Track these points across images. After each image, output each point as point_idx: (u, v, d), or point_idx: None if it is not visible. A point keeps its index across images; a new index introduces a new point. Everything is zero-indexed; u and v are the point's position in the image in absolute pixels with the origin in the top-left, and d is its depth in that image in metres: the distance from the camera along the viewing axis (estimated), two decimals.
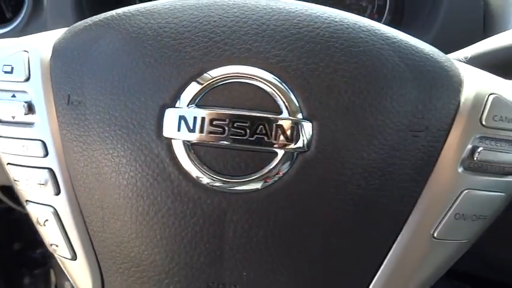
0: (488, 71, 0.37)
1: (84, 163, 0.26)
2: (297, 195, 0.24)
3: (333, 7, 0.77)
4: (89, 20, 0.27)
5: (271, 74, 0.24)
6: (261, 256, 0.24)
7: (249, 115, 0.23)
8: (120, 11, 0.27)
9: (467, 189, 0.25)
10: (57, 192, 0.26)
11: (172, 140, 0.24)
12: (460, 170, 0.25)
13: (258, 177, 0.24)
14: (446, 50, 0.43)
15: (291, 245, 0.24)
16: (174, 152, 0.24)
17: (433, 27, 0.53)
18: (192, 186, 0.24)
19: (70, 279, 0.29)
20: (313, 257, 0.25)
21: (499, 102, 0.26)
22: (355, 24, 0.25)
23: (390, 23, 0.65)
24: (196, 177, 0.24)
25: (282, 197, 0.24)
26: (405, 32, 0.61)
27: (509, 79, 0.34)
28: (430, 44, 0.56)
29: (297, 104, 0.24)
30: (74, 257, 0.27)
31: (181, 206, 0.24)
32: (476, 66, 0.41)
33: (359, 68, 0.24)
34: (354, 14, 0.27)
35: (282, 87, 0.24)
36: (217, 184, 0.24)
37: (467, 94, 0.26)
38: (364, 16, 0.68)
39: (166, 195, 0.24)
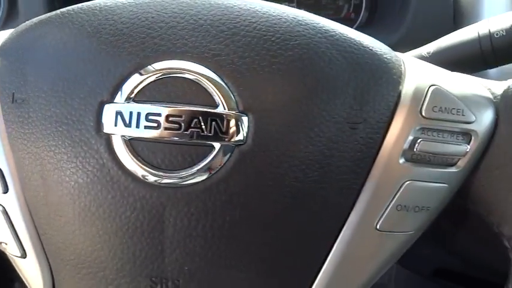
0: (449, 66, 0.38)
1: (29, 161, 0.26)
2: (234, 188, 0.24)
3: (309, 7, 0.77)
4: (35, 20, 0.28)
5: (207, 68, 0.24)
6: (202, 250, 0.24)
7: (183, 109, 0.23)
8: (64, 9, 0.27)
9: (409, 180, 0.26)
10: (5, 191, 0.27)
11: (111, 136, 0.24)
12: (402, 161, 0.25)
13: (195, 171, 0.24)
14: (418, 46, 0.43)
15: (230, 239, 0.24)
16: (112, 147, 0.24)
17: (403, 24, 0.53)
18: (131, 181, 0.24)
19: (22, 277, 0.29)
20: (254, 251, 0.25)
21: (439, 93, 0.26)
22: (294, 18, 0.26)
23: (366, 22, 0.65)
24: (135, 171, 0.24)
25: (219, 190, 0.24)
26: (377, 30, 0.61)
27: (469, 74, 0.34)
28: (400, 40, 0.56)
29: (233, 98, 0.24)
30: (24, 255, 0.27)
31: (120, 201, 0.24)
32: (438, 61, 0.41)
33: (295, 61, 0.24)
34: (297, 9, 0.27)
35: (218, 81, 0.24)
36: (154, 179, 0.24)
37: (407, 86, 0.26)
38: (340, 16, 0.68)
39: (106, 190, 0.24)
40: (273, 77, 0.24)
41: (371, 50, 0.26)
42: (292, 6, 0.68)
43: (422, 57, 0.42)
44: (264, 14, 0.25)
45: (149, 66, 0.24)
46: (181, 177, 0.24)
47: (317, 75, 0.24)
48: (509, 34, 0.37)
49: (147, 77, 0.24)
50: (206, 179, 0.24)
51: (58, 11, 0.27)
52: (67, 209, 0.25)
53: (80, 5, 0.27)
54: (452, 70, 0.33)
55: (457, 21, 0.52)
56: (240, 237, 0.25)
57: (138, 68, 0.24)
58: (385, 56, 0.26)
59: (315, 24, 0.26)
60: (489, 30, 0.38)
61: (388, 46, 0.49)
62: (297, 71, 0.24)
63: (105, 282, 0.26)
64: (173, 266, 0.25)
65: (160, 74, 0.24)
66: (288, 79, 0.24)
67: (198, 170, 0.24)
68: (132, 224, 0.24)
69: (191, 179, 0.24)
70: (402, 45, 0.44)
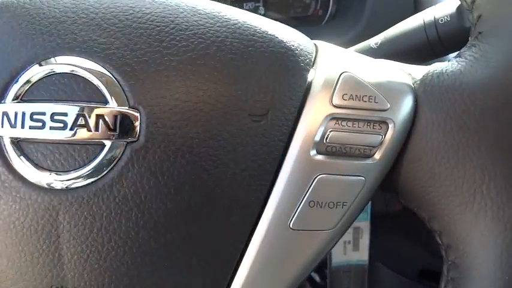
0: (398, 57, 0.36)
1: None
2: (128, 189, 0.23)
3: (276, 6, 0.75)
4: None
5: (96, 63, 0.23)
6: (99, 256, 0.23)
7: (68, 106, 0.22)
8: None
9: (322, 174, 0.24)
10: None
11: (0, 138, 0.23)
12: (313, 154, 0.24)
13: (86, 172, 0.22)
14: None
15: (128, 243, 0.23)
16: (3, 150, 0.23)
17: (363, 15, 0.52)
18: (22, 185, 0.23)
19: None
20: (156, 256, 0.23)
21: (350, 80, 0.24)
22: (193, 7, 0.24)
23: (334, 16, 0.64)
24: (25, 174, 0.23)
25: (112, 191, 0.23)
26: (342, 23, 0.59)
27: (420, 64, 0.33)
28: (363, 31, 0.54)
29: (123, 93, 0.22)
30: None
31: (13, 206, 0.23)
32: (386, 52, 0.40)
33: (189, 52, 0.23)
34: (202, 0, 0.26)
35: (107, 75, 0.23)
36: (45, 181, 0.23)
37: (319, 74, 0.24)
38: (308, 13, 0.67)
39: None
40: (165, 69, 0.23)
41: (276, 37, 0.24)
42: (258, 6, 0.67)
43: (371, 49, 0.40)
44: (161, 4, 0.24)
45: (37, 64, 0.23)
46: (71, 179, 0.22)
47: (214, 65, 0.23)
48: (454, 19, 0.35)
49: (34, 75, 0.23)
50: (97, 180, 0.23)
51: None
52: None
53: None
54: (401, 61, 0.31)
55: (418, 8, 0.51)
56: (139, 241, 0.23)
57: (26, 66, 0.23)
58: (292, 43, 0.25)
59: (215, 13, 0.24)
60: (434, 17, 0.36)
61: (352, 38, 0.47)
62: (191, 61, 0.23)
63: None
64: (73, 273, 0.24)
65: (47, 71, 0.23)
66: (182, 71, 0.23)
67: (88, 170, 0.22)
68: (26, 230, 0.23)
69: (82, 180, 0.22)
70: (365, 35, 0.42)
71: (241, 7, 0.67)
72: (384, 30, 0.41)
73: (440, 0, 0.49)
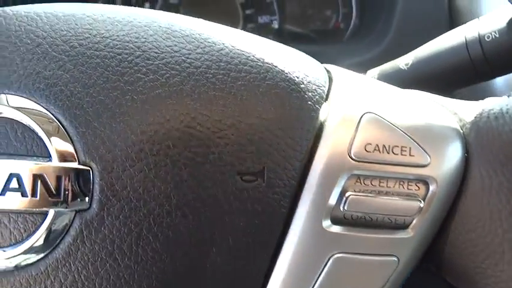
0: (432, 80, 0.30)
1: None
2: (78, 273, 0.17)
3: (293, 19, 0.69)
4: None
5: (38, 103, 0.17)
6: None
7: None
8: None
9: (339, 252, 0.18)
10: None
11: None
12: (327, 225, 0.18)
13: (23, 250, 0.17)
14: (409, 52, 0.35)
15: None
16: None
17: (390, 28, 0.45)
18: None
19: None
20: None
21: (375, 124, 0.18)
22: (167, 29, 0.18)
23: (357, 31, 0.58)
24: None
25: (57, 276, 0.17)
26: (365, 39, 0.52)
27: (459, 88, 0.26)
28: (389, 47, 0.47)
29: (71, 145, 0.17)
30: None
31: None
32: (418, 75, 0.33)
33: (158, 88, 0.17)
34: (178, 17, 0.20)
35: (51, 120, 0.17)
36: None
37: (332, 116, 0.18)
38: (327, 27, 0.61)
39: None
40: (127, 111, 0.17)
41: (276, 66, 0.18)
42: (274, 20, 0.62)
43: (400, 71, 0.34)
44: (125, 25, 0.18)
45: None
46: (7, 259, 0.17)
47: (192, 105, 0.17)
48: (503, 35, 0.29)
49: None
50: (38, 260, 0.17)
51: None
52: None
53: None
54: (437, 85, 0.25)
55: (455, 19, 0.44)
56: None
57: None
58: (298, 74, 0.19)
59: (195, 36, 0.19)
60: (478, 33, 0.30)
61: (377, 54, 0.40)
62: (161, 101, 0.17)
63: None
64: None
65: None
66: (149, 113, 0.17)
67: (26, 248, 0.17)
68: None
69: (19, 260, 0.17)
70: (392, 53, 0.36)
71: (255, 21, 0.62)
72: (413, 47, 0.35)
73: (483, 11, 0.42)
